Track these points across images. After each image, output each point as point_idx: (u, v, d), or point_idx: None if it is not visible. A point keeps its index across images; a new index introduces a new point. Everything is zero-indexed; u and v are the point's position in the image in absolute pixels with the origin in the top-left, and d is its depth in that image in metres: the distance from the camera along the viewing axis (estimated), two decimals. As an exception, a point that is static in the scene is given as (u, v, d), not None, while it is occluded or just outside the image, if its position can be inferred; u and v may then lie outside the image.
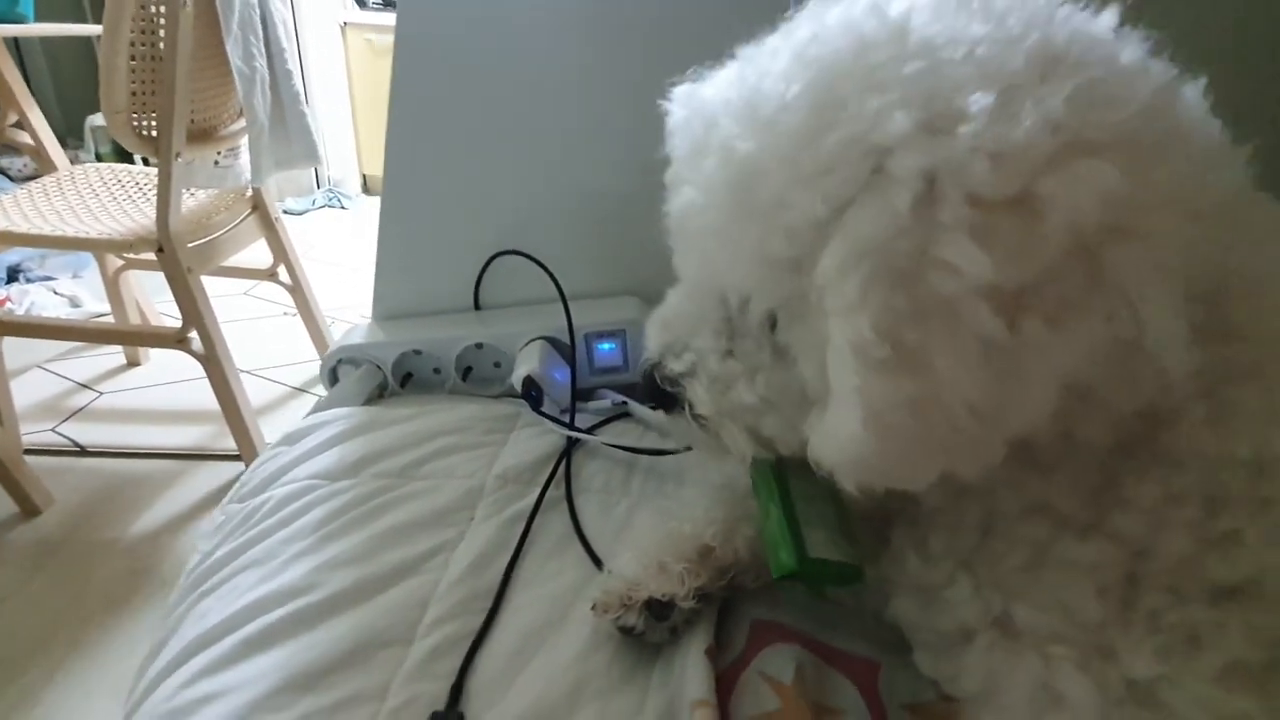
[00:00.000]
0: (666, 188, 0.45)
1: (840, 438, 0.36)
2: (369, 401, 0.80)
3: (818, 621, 0.50)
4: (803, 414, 0.41)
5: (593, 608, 0.52)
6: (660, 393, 0.49)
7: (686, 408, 0.48)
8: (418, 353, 0.82)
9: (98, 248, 1.65)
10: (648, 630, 0.51)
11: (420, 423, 0.72)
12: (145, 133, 1.40)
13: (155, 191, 1.49)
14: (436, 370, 0.83)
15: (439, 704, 0.47)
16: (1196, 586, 0.34)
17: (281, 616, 0.51)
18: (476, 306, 0.89)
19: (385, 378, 0.82)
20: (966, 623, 0.41)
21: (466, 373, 0.83)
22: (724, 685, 0.47)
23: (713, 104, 0.41)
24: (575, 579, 0.56)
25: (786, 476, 0.49)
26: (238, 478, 0.74)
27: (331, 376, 0.82)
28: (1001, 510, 0.40)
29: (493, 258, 0.86)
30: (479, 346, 0.82)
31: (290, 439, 0.71)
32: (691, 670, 0.46)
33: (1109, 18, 0.36)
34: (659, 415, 0.51)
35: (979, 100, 0.32)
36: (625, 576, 0.52)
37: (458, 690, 0.47)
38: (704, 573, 0.52)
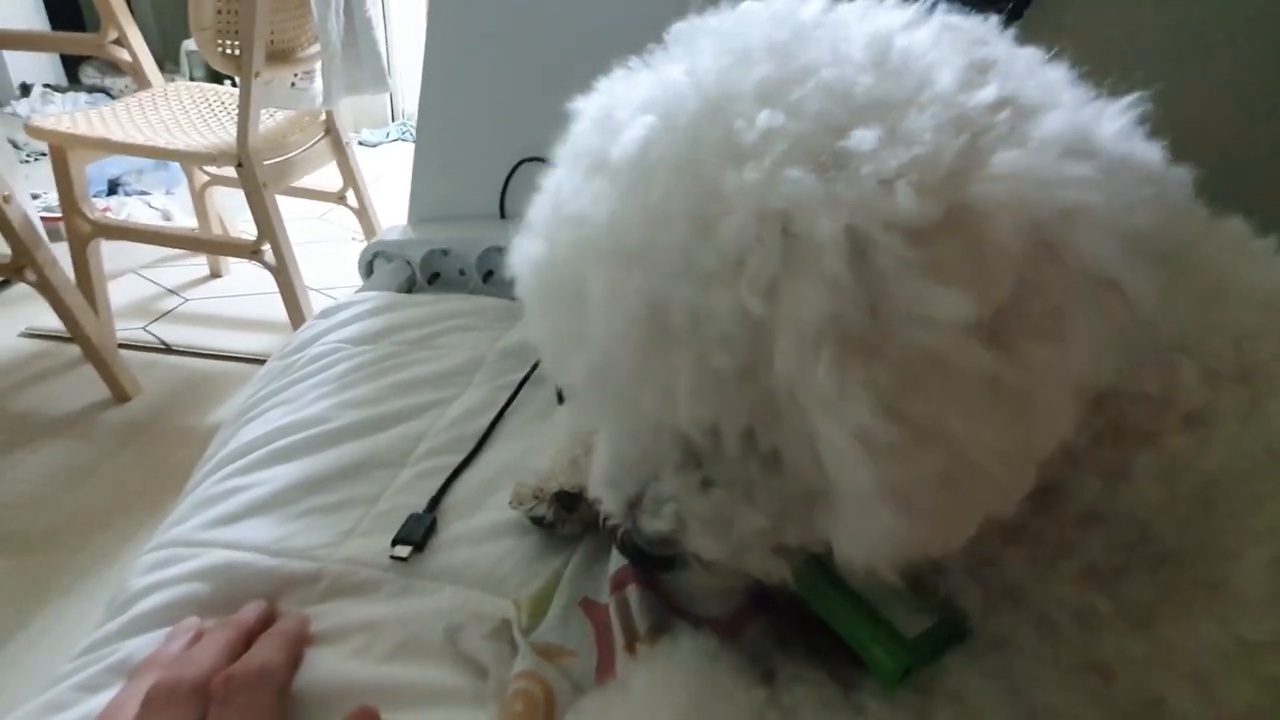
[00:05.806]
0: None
1: (870, 534, 0.32)
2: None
3: None
4: (815, 507, 0.36)
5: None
6: (649, 558, 0.41)
7: (692, 560, 0.40)
8: (445, 252, 0.90)
9: (182, 159, 1.74)
10: (557, 522, 0.52)
11: (438, 307, 0.81)
12: (229, 51, 1.48)
13: (238, 110, 1.59)
14: (461, 272, 0.91)
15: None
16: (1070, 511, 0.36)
17: (302, 437, 0.62)
18: (503, 215, 0.95)
19: (414, 273, 0.91)
20: None
21: (488, 275, 0.91)
22: None
23: (561, 250, 0.34)
24: (551, 437, 0.63)
25: (827, 568, 0.40)
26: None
27: (368, 269, 0.92)
28: None
29: (519, 164, 0.92)
30: (500, 250, 0.89)
31: (326, 314, 0.82)
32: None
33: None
34: None
35: (862, 134, 0.28)
36: (538, 470, 0.53)
37: (435, 503, 0.57)
38: None
